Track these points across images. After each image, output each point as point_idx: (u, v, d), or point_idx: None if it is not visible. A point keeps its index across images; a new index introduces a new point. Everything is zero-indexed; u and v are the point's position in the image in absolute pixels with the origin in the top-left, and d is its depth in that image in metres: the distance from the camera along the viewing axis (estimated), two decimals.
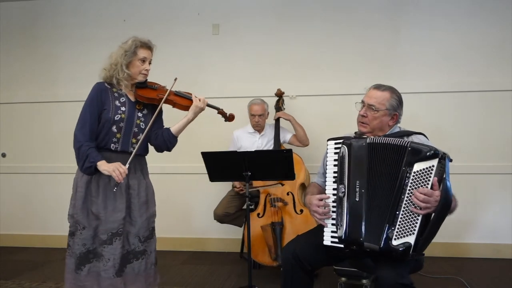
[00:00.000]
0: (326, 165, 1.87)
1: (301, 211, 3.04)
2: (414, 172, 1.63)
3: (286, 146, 3.41)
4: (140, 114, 2.12)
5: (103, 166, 1.95)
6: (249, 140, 3.43)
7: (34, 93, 4.18)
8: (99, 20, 4.10)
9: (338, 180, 1.78)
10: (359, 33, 3.76)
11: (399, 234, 1.62)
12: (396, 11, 3.74)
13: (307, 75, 3.83)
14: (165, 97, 2.10)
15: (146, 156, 2.23)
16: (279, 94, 3.51)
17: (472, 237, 3.61)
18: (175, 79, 2.15)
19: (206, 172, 2.64)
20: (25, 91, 4.19)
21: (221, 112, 2.33)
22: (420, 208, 1.60)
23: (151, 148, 2.23)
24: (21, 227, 4.18)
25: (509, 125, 3.58)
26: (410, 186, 1.63)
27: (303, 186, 3.17)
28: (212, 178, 2.67)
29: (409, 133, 1.93)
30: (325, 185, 1.85)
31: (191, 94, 2.20)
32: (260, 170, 2.56)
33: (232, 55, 3.91)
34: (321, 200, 1.81)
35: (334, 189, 1.81)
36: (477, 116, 3.64)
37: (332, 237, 1.77)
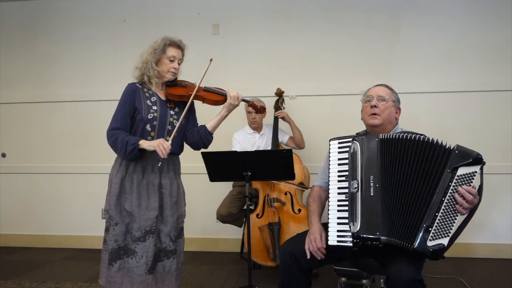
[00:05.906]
0: (329, 165, 1.84)
1: (299, 210, 3.04)
2: (458, 176, 1.62)
3: (282, 147, 3.41)
4: (172, 112, 2.14)
5: (146, 143, 1.97)
6: (249, 141, 3.43)
7: (34, 93, 4.18)
8: (99, 20, 4.10)
9: (350, 176, 1.76)
10: (358, 33, 3.76)
11: (435, 236, 1.61)
12: (395, 11, 3.74)
13: (307, 75, 3.83)
14: (194, 92, 2.11)
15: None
16: (279, 94, 3.50)
17: (472, 237, 3.60)
18: (211, 60, 2.17)
19: (206, 172, 2.64)
20: (25, 91, 4.19)
21: (251, 104, 2.40)
22: (464, 208, 1.61)
23: None
24: (21, 227, 4.18)
25: (509, 125, 3.58)
26: (452, 189, 1.61)
27: (301, 185, 3.17)
28: (212, 178, 2.67)
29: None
30: (329, 186, 1.83)
31: (224, 90, 2.22)
32: (260, 170, 2.55)
33: (232, 55, 3.91)
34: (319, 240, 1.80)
35: (339, 188, 1.79)
36: (477, 116, 3.63)
37: (338, 236, 1.72)
